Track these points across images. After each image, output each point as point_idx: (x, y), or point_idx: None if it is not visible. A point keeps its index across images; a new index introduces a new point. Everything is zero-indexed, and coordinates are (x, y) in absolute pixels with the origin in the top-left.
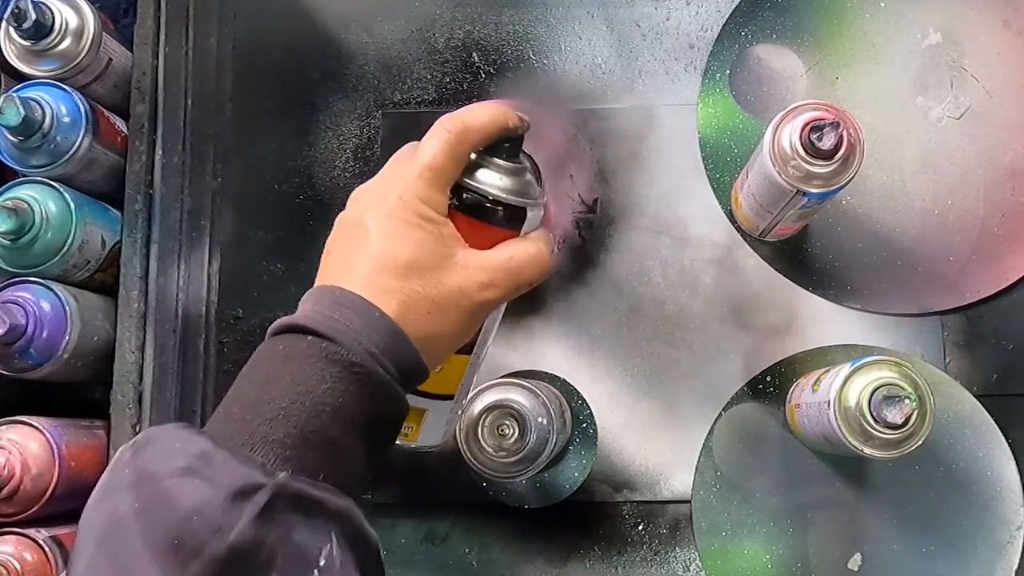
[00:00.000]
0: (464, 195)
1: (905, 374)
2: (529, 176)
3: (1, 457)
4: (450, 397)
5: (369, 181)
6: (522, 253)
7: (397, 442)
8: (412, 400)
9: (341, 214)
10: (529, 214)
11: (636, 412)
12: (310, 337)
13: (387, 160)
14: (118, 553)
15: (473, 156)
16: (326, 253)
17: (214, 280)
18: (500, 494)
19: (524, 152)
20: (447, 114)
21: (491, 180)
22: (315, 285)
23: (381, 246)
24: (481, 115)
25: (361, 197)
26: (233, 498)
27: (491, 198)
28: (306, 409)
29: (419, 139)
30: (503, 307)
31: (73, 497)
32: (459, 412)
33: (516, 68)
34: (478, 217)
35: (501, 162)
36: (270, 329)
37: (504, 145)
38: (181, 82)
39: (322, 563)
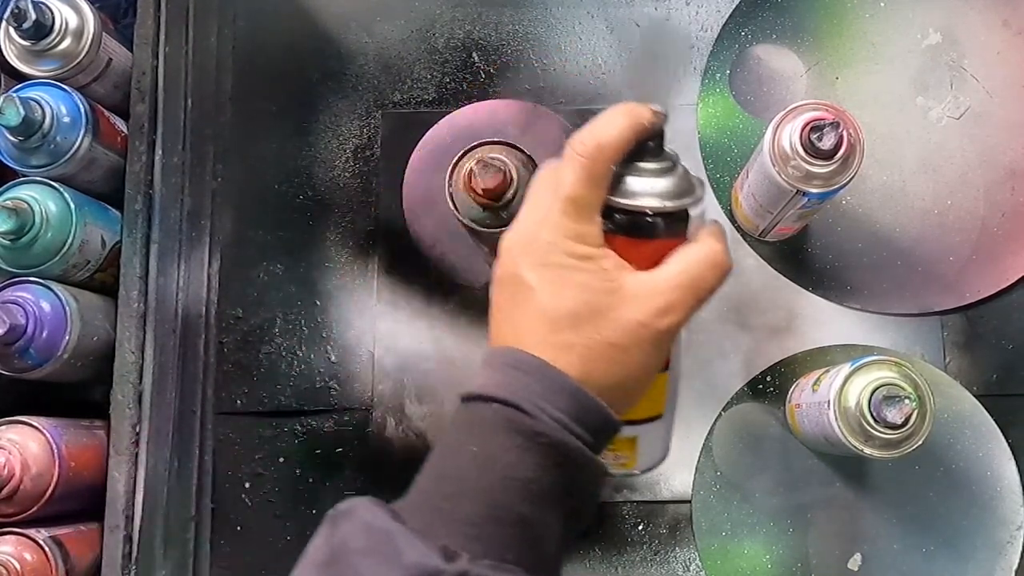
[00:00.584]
0: (616, 215)
1: (905, 374)
2: (681, 170)
3: (1, 457)
4: (658, 416)
5: (514, 224)
6: (695, 262)
7: (617, 473)
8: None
9: (497, 267)
10: (692, 212)
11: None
12: (495, 404)
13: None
14: None
15: (615, 168)
16: (494, 309)
17: (214, 280)
18: None
19: (665, 146)
20: (577, 133)
21: (641, 190)
22: (489, 346)
23: (545, 300)
24: (613, 125)
25: (512, 247)
26: None
27: (647, 211)
28: (490, 483)
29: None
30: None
31: (73, 497)
32: (672, 421)
33: (516, 68)
34: (637, 235)
35: (647, 166)
36: (460, 397)
37: (646, 145)
38: (181, 82)
39: None
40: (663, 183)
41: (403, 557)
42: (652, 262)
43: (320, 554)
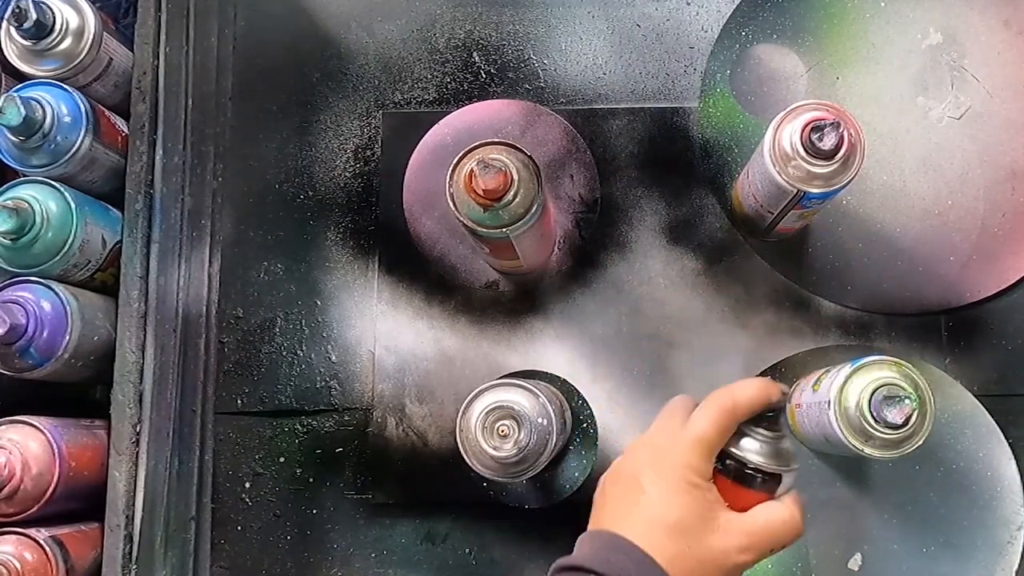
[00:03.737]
0: (728, 461)
1: (905, 374)
2: (787, 443)
3: (1, 457)
4: None
5: (645, 436)
6: (777, 519)
7: None
8: None
9: (618, 462)
10: (785, 479)
11: (636, 412)
12: (592, 575)
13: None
14: None
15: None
16: (602, 494)
17: (214, 280)
18: (500, 494)
19: (781, 420)
20: (721, 389)
21: (752, 449)
22: (591, 527)
23: (654, 506)
24: (748, 392)
25: (639, 453)
26: None
27: (751, 466)
28: None
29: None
30: None
31: (73, 497)
32: None
33: (516, 68)
34: (739, 482)
35: (762, 431)
36: (556, 566)
37: (767, 415)
38: (181, 82)
39: None
40: (770, 449)
41: None
42: (743, 507)
43: None
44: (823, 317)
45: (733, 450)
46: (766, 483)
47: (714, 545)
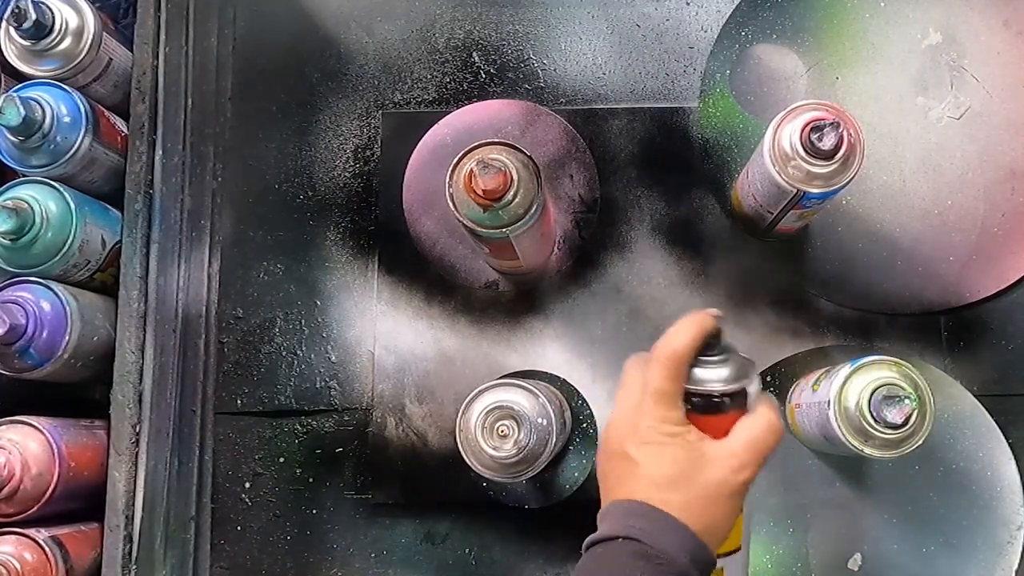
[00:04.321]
0: (693, 399)
1: (905, 374)
2: (736, 357)
3: (1, 457)
4: (738, 550)
5: (612, 416)
6: (757, 428)
7: None
8: None
9: (601, 447)
10: (750, 390)
11: None
12: (619, 540)
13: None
14: None
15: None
16: (605, 477)
17: (214, 280)
18: (500, 494)
19: (723, 340)
20: (659, 341)
21: (709, 377)
22: (603, 505)
23: (649, 470)
24: (684, 334)
25: (613, 431)
26: None
27: (715, 394)
28: None
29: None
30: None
31: (73, 497)
32: (748, 554)
33: (516, 68)
34: (710, 412)
35: (710, 358)
36: (585, 544)
37: (709, 341)
38: (181, 82)
39: None
40: (725, 370)
41: None
42: (724, 431)
43: None
44: (823, 317)
45: (690, 387)
46: (735, 401)
47: (712, 478)
